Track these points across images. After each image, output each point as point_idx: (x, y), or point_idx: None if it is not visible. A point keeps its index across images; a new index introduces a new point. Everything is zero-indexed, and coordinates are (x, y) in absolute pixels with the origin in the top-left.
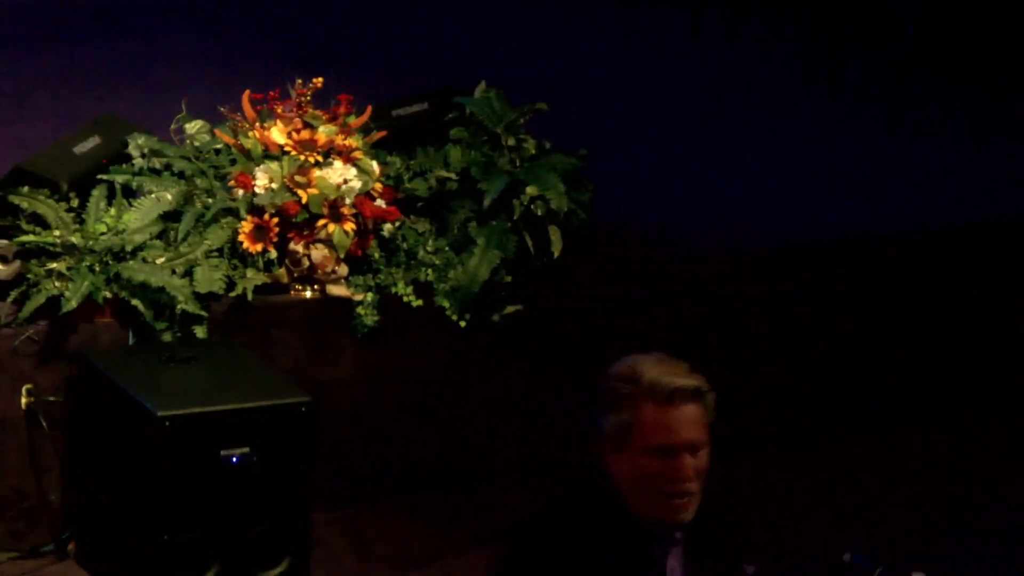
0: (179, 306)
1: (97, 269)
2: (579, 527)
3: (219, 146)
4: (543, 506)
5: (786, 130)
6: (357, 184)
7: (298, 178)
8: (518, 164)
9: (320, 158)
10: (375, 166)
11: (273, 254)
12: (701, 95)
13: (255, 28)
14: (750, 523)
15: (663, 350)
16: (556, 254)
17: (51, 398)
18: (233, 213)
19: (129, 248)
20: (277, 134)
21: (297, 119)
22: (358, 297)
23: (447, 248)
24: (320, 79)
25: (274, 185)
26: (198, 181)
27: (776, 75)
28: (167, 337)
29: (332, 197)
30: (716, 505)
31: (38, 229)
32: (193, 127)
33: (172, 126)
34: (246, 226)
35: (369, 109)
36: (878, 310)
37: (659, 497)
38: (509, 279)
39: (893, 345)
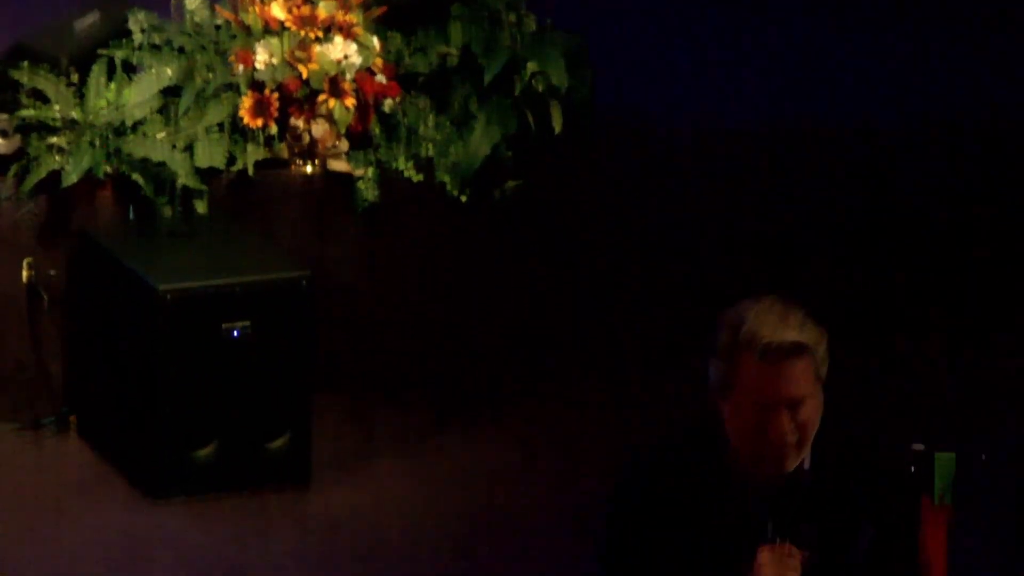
0: (179, 181)
1: (97, 144)
2: (683, 472)
3: (219, 22)
4: (653, 445)
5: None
6: (357, 60)
7: (298, 54)
8: (519, 41)
9: (320, 34)
10: (375, 42)
11: (274, 130)
12: None
13: None
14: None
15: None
16: (557, 130)
17: (52, 272)
18: (233, 89)
19: (129, 123)
20: (277, 10)
21: None
22: (358, 172)
23: (448, 124)
24: None
25: (274, 61)
26: (198, 57)
27: None
28: (167, 212)
29: (332, 73)
30: (831, 460)
31: (38, 104)
32: (193, 3)
33: (172, 2)
34: (247, 101)
35: None
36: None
37: (756, 449)
38: (510, 155)
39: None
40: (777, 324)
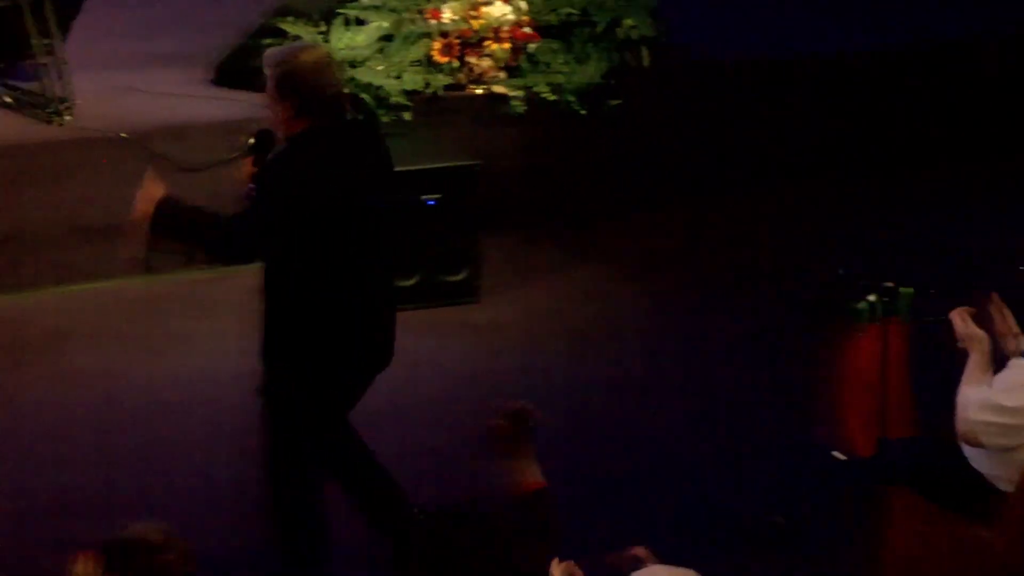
0: (392, 99)
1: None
2: None
3: None
4: None
5: None
6: (511, 16)
7: (471, 12)
8: (619, 2)
9: None
10: (523, 4)
11: (456, 64)
12: None
13: None
14: None
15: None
16: (645, 64)
17: None
18: (428, 36)
19: (359, 59)
20: None
21: None
22: (512, 93)
23: (572, 60)
24: None
25: (456, 17)
26: (404, 14)
27: None
28: (384, 119)
29: (495, 25)
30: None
31: None
32: None
33: None
34: (436, 45)
35: None
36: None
37: None
38: (614, 82)
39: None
40: None
